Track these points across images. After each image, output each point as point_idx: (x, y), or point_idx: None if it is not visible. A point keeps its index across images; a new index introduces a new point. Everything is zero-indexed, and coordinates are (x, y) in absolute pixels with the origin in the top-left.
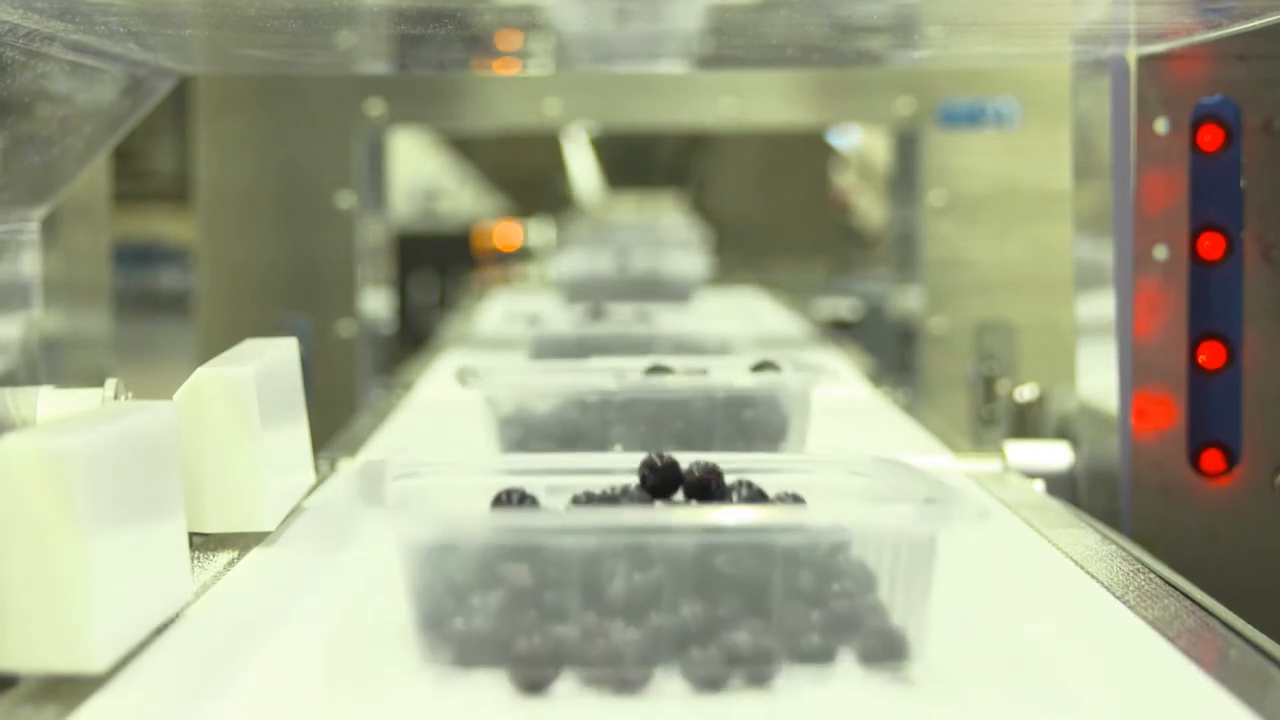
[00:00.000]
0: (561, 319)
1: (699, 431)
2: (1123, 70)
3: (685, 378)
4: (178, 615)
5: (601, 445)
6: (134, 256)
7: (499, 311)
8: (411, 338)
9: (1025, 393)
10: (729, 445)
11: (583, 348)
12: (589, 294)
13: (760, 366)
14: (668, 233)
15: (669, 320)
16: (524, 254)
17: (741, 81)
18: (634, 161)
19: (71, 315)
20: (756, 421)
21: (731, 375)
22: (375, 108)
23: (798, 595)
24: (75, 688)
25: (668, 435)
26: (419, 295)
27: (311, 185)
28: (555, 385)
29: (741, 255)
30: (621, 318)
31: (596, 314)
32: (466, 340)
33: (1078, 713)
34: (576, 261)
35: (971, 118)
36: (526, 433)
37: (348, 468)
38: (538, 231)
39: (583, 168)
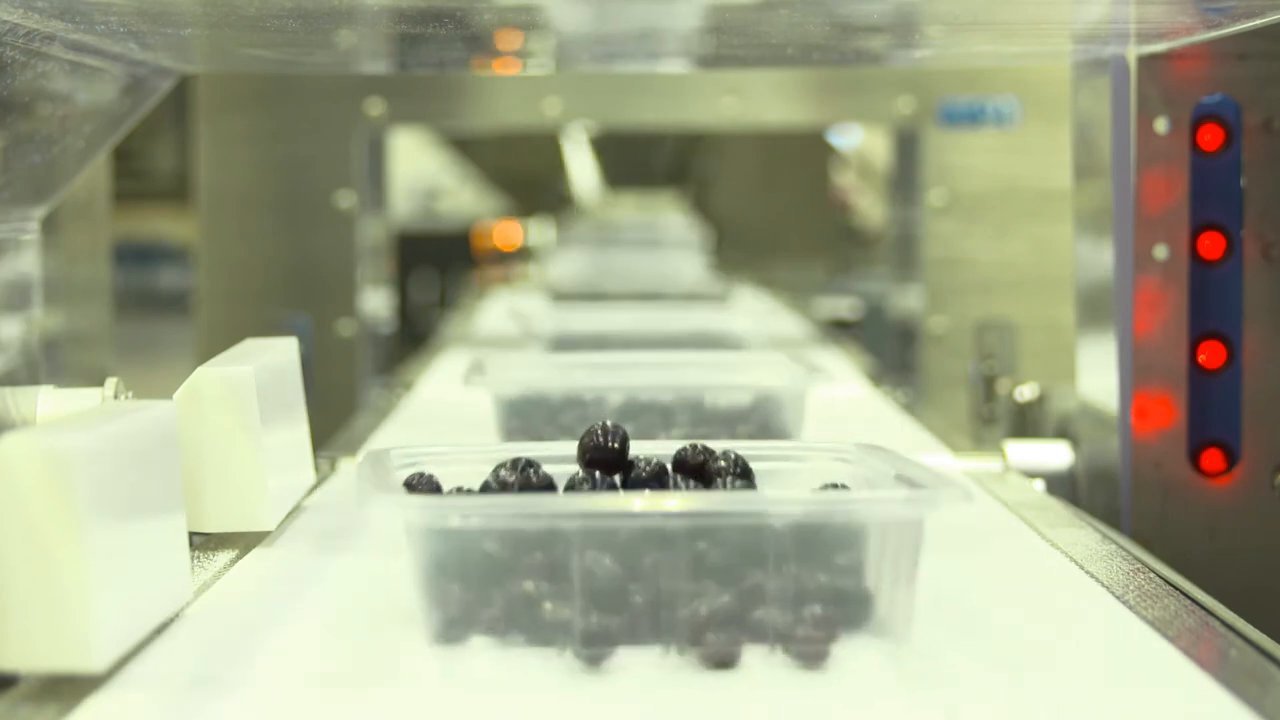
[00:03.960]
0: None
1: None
2: (1123, 70)
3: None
4: (178, 615)
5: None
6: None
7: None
8: (411, 337)
9: (1025, 392)
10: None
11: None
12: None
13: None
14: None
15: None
16: (524, 254)
17: (741, 81)
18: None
19: (71, 315)
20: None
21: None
22: (375, 107)
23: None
24: (75, 687)
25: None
26: (419, 295)
27: (311, 185)
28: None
29: (741, 255)
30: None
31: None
32: (466, 340)
33: (1078, 712)
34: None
35: (971, 117)
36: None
37: (348, 466)
38: (538, 231)
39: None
